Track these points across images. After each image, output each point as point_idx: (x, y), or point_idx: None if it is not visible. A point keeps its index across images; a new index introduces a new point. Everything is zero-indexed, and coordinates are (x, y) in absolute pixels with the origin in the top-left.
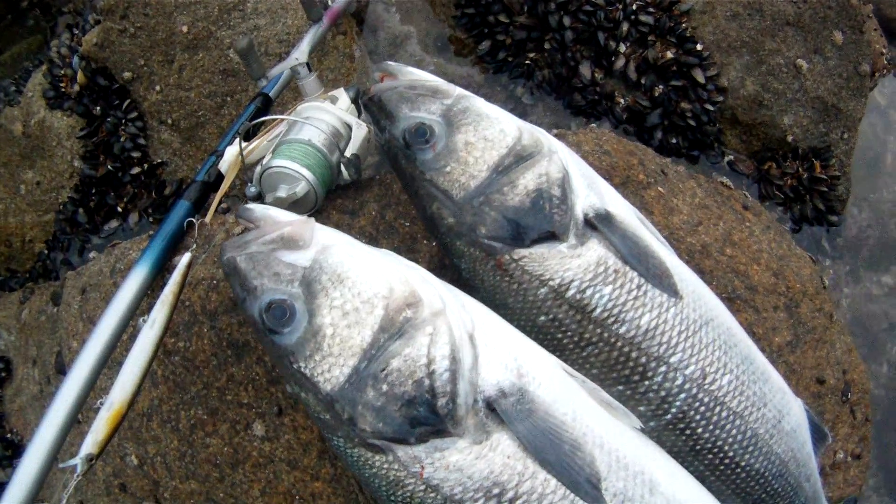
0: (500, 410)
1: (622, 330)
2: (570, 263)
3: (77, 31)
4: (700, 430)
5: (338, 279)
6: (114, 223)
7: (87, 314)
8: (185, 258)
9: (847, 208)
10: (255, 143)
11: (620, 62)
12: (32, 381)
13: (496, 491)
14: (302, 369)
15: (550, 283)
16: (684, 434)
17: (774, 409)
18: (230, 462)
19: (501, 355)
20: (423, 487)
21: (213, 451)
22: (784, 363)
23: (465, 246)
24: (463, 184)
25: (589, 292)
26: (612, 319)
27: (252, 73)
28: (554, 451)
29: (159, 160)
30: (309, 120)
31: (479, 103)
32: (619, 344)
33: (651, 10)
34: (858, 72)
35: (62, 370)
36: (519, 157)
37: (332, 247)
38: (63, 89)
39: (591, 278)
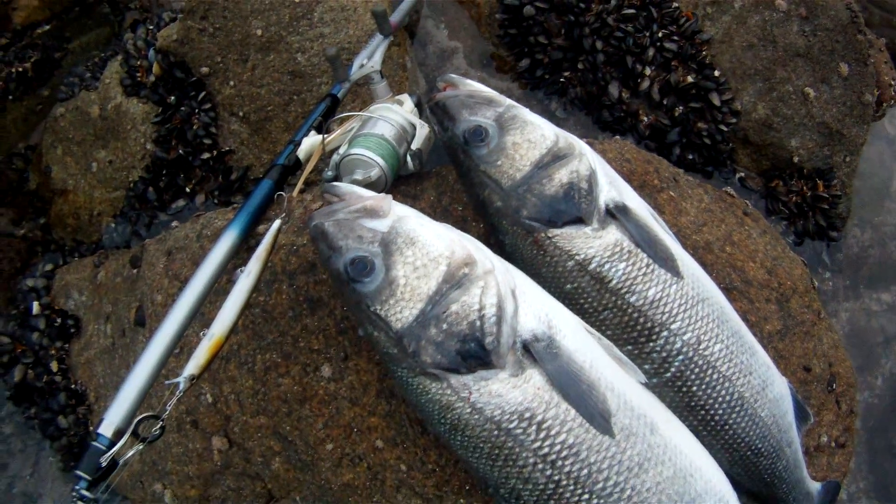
0: (533, 351)
1: (633, 299)
2: (593, 243)
3: (151, 27)
4: (694, 388)
5: (410, 241)
6: (181, 202)
7: (174, 272)
8: (277, 223)
9: (849, 227)
10: (334, 134)
11: (646, 84)
12: (103, 335)
13: (527, 415)
14: (378, 311)
15: (576, 257)
16: (681, 391)
17: (759, 378)
18: (298, 399)
19: (536, 309)
20: (469, 410)
21: (283, 389)
22: (773, 349)
23: (510, 225)
24: (510, 175)
25: (607, 267)
26: (625, 290)
27: (337, 76)
28: (574, 388)
29: (228, 148)
30: (382, 118)
31: (525, 112)
32: (629, 310)
33: (675, 38)
34: (862, 101)
35: (142, 322)
36: (556, 157)
37: (405, 217)
38: (139, 78)
39: (609, 256)
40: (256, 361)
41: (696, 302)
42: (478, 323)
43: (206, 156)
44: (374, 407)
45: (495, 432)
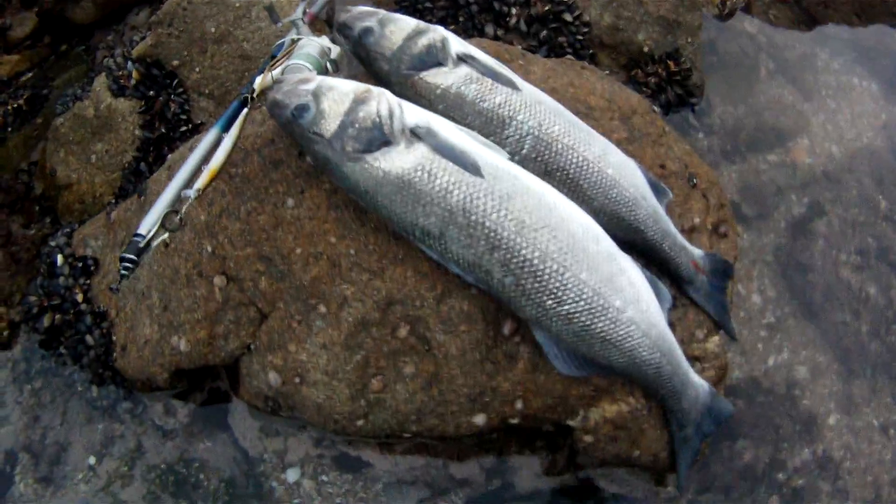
0: (418, 133)
1: (485, 105)
2: (450, 76)
3: (125, 48)
4: (547, 157)
5: (329, 87)
6: None
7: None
8: (244, 111)
9: (716, 104)
10: (280, 63)
11: (514, 20)
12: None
13: (420, 168)
14: (316, 131)
15: (441, 86)
16: (536, 161)
17: (599, 147)
18: (272, 226)
19: (417, 112)
20: (381, 174)
21: (262, 222)
22: (624, 151)
23: (396, 79)
24: (390, 48)
25: (462, 89)
26: (478, 100)
27: (273, 20)
28: (450, 151)
29: (200, 121)
30: (308, 45)
31: (397, 15)
32: (484, 113)
33: None
34: None
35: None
36: (418, 32)
37: (325, 77)
38: (123, 83)
39: (463, 82)
40: (240, 211)
41: (534, 102)
42: (377, 119)
43: (183, 129)
44: (325, 217)
45: (401, 185)
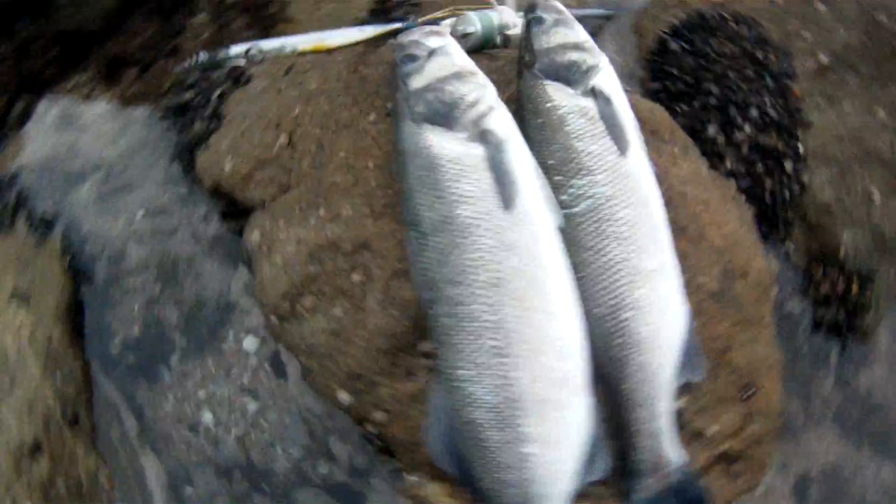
0: (487, 138)
1: (577, 144)
2: (569, 99)
3: None
4: (588, 228)
5: (446, 53)
6: None
7: None
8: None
9: (871, 358)
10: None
11: (740, 136)
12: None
13: (458, 163)
14: (405, 79)
15: (552, 102)
16: (578, 227)
17: (655, 261)
18: (345, 124)
19: (506, 125)
20: (427, 147)
21: (342, 118)
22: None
23: (529, 71)
24: (543, 43)
25: (570, 117)
26: (575, 135)
27: None
28: (498, 172)
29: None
30: (499, 8)
31: (577, 24)
32: (571, 150)
33: (778, 108)
34: None
35: None
36: (578, 48)
37: (452, 43)
38: None
39: (576, 110)
40: (337, 99)
41: (625, 175)
42: (458, 101)
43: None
44: (381, 146)
45: (433, 167)
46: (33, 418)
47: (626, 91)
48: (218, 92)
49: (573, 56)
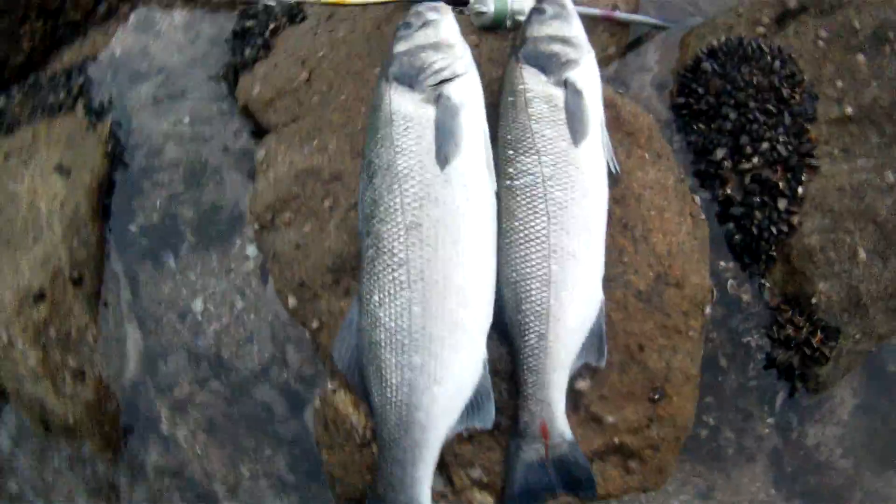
0: (441, 102)
1: (535, 125)
2: (538, 84)
3: None
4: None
5: (435, 24)
6: None
7: None
8: None
9: (825, 414)
10: None
11: (746, 166)
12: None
13: (407, 120)
14: (395, 43)
15: (524, 83)
16: (516, 197)
17: (583, 243)
18: (356, 72)
19: (466, 94)
20: (388, 102)
21: (355, 66)
22: (621, 293)
23: (512, 54)
24: (532, 33)
25: (536, 100)
26: (535, 117)
27: None
28: (443, 135)
29: None
30: None
31: (576, 19)
32: (528, 131)
33: (790, 147)
34: None
35: None
36: (566, 41)
37: (448, 19)
38: None
39: (542, 95)
40: (354, 50)
41: (571, 162)
42: (425, 66)
43: None
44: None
45: (386, 121)
46: (45, 270)
47: (619, 93)
48: (273, 26)
49: (555, 48)
